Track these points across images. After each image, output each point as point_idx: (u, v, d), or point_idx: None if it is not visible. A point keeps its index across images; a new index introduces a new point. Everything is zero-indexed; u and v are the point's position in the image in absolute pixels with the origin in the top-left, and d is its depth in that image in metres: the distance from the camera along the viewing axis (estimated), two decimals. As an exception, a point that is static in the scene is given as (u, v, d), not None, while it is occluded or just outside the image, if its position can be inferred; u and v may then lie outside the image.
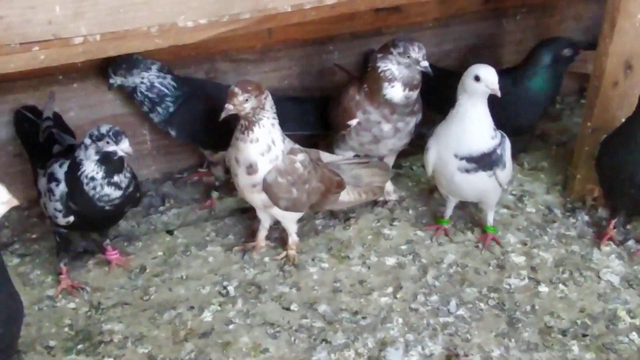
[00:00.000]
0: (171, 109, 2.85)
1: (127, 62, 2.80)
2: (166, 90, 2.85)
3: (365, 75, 2.80)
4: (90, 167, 2.43)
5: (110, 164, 2.43)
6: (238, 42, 3.06)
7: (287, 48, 3.19)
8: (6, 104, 2.88)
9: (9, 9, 2.07)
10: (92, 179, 2.44)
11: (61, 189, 2.47)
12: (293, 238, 2.78)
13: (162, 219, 2.99)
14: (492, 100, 2.99)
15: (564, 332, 2.49)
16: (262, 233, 2.84)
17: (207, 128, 2.82)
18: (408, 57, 2.65)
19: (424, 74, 2.71)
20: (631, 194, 2.58)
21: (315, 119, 3.10)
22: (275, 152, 2.55)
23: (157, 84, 2.84)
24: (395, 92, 2.71)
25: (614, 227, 2.84)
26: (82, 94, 2.96)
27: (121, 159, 2.43)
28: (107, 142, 2.39)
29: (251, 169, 2.55)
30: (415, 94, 2.74)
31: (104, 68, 2.87)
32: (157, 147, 3.17)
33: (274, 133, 2.55)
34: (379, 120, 2.77)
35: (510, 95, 2.98)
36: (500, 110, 3.00)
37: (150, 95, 2.84)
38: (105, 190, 2.45)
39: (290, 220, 2.75)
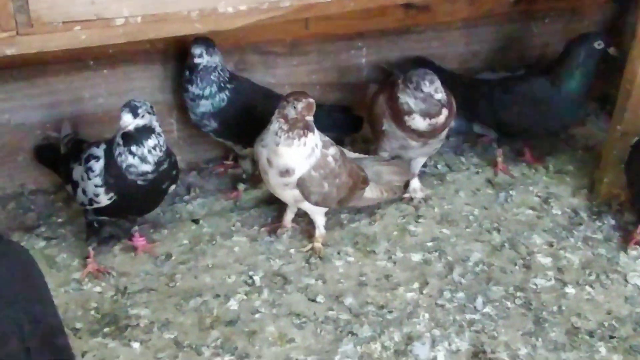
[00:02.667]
0: (224, 103, 2.85)
1: (209, 40, 2.78)
2: (227, 76, 2.86)
3: (390, 103, 2.80)
4: (117, 137, 2.46)
5: (126, 135, 2.42)
6: (268, 35, 3.05)
7: (316, 42, 3.19)
8: (37, 88, 2.88)
9: (54, -13, 2.09)
10: (117, 144, 2.45)
11: (100, 163, 2.48)
12: (320, 230, 2.77)
13: (187, 208, 2.98)
14: (528, 103, 3.01)
15: (591, 334, 2.48)
16: (289, 216, 2.86)
17: (246, 125, 2.81)
18: (421, 91, 2.69)
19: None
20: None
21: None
22: (316, 155, 2.57)
23: (224, 65, 2.85)
24: (418, 123, 2.75)
25: (642, 232, 2.82)
26: (112, 81, 2.96)
27: (137, 131, 2.41)
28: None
29: (287, 173, 2.56)
30: (439, 119, 2.76)
31: (178, 51, 2.88)
32: (183, 137, 3.16)
33: (317, 136, 2.57)
34: (404, 136, 2.81)
35: (546, 96, 2.99)
36: (536, 112, 3.02)
37: (222, 77, 2.83)
38: (129, 160, 2.44)
39: (319, 214, 2.75)
